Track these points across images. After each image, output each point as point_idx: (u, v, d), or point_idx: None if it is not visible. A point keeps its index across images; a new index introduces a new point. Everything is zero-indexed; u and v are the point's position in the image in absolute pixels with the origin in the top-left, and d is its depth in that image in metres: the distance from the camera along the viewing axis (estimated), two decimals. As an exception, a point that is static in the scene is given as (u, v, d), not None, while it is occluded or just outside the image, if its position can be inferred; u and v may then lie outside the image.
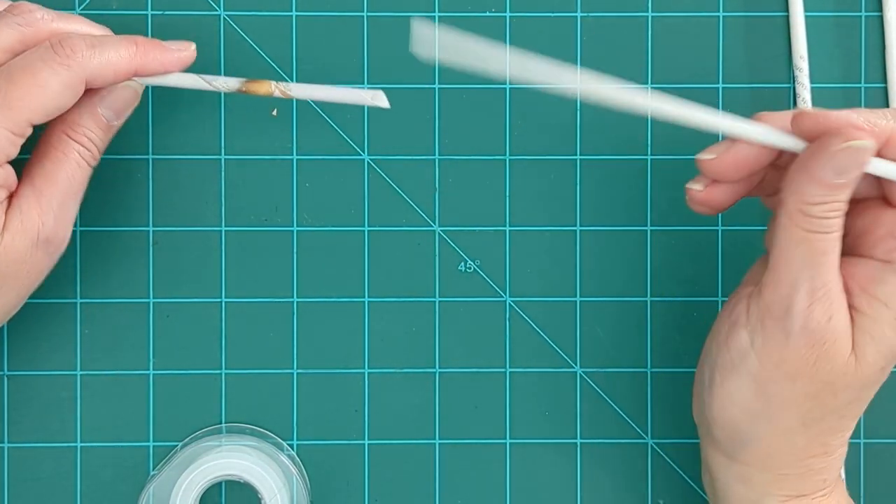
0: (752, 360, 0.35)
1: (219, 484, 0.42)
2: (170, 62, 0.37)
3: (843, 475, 0.42)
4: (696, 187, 0.36)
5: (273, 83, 0.38)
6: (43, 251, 0.36)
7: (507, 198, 0.43)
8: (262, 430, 0.42)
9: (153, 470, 0.42)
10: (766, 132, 0.35)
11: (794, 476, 0.36)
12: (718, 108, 0.43)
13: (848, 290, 0.34)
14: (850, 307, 0.34)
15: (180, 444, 0.42)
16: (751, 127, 0.35)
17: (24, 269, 0.36)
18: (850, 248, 0.35)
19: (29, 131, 0.35)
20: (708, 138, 0.43)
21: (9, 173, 0.36)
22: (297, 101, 0.42)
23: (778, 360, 0.34)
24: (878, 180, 0.34)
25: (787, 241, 0.34)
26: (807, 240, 0.33)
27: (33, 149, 0.37)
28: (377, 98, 0.38)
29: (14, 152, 0.35)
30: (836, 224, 0.33)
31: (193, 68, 0.40)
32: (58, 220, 0.36)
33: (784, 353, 0.34)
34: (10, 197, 0.36)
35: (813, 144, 0.33)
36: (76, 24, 0.37)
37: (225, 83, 0.38)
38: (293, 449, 0.42)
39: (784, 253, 0.34)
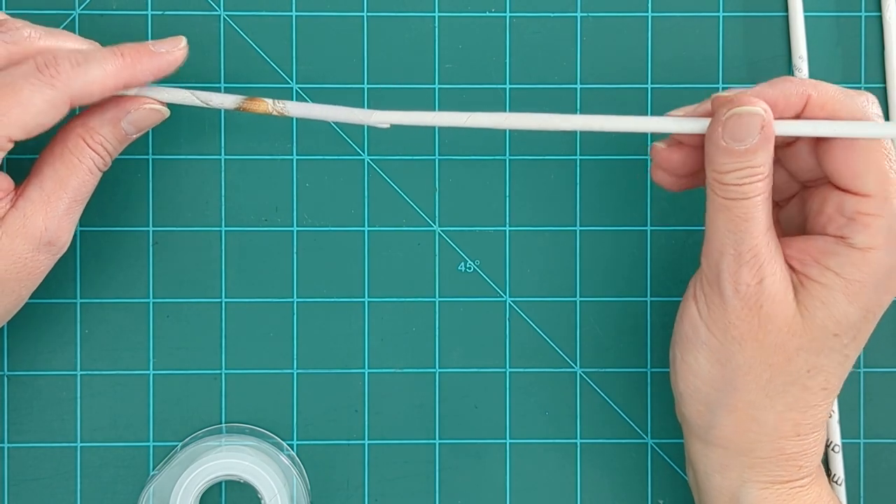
0: (702, 330, 0.36)
1: (219, 484, 0.42)
2: (160, 68, 0.37)
3: (843, 475, 0.42)
4: (660, 145, 0.38)
5: (270, 102, 0.38)
6: (45, 253, 0.36)
7: (507, 198, 0.43)
8: (261, 430, 0.42)
9: (153, 470, 0.42)
10: (680, 123, 0.37)
11: (769, 461, 0.37)
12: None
13: (802, 262, 0.36)
14: (803, 275, 0.35)
15: (180, 444, 0.42)
16: (666, 121, 0.37)
17: (25, 271, 0.36)
18: (807, 228, 0.37)
19: (10, 146, 0.35)
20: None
21: None
22: (297, 100, 0.42)
23: (723, 325, 0.36)
24: (822, 163, 0.36)
25: (711, 210, 0.36)
26: (726, 207, 0.35)
27: (44, 149, 0.37)
28: (375, 117, 0.38)
29: None
30: (755, 189, 0.35)
31: (194, 71, 0.40)
32: (62, 224, 0.36)
33: (726, 318, 0.36)
34: (16, 197, 0.36)
35: (712, 118, 0.35)
36: (63, 41, 0.37)
37: (222, 101, 0.38)
38: (293, 449, 0.42)
39: (710, 222, 0.36)
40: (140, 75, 0.36)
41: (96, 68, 0.35)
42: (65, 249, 0.37)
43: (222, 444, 0.41)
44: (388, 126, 0.38)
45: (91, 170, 0.37)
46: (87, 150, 0.36)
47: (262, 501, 0.40)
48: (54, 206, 0.36)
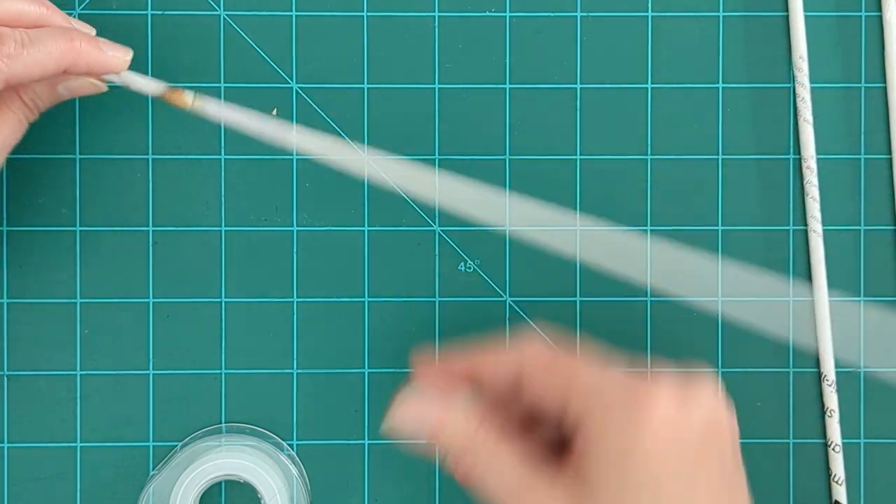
0: None
1: (219, 484, 0.42)
2: (100, 67, 0.37)
3: (843, 475, 0.42)
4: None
5: (192, 96, 0.38)
6: None
7: (508, 198, 0.43)
8: (261, 430, 0.42)
9: (153, 470, 0.42)
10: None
11: None
12: (718, 108, 0.43)
13: None
14: None
15: (180, 444, 0.42)
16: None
17: None
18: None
19: None
20: (706, 133, 0.43)
21: None
22: (297, 101, 0.42)
23: None
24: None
25: None
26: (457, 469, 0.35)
27: None
28: (292, 138, 0.38)
29: None
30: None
31: (195, 71, 0.40)
32: None
33: None
34: None
35: None
36: (13, 4, 0.36)
37: (145, 86, 0.38)
38: (293, 449, 0.42)
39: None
40: (81, 66, 0.36)
41: (44, 49, 0.35)
42: None
43: (222, 444, 0.41)
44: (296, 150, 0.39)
45: (21, 121, 0.37)
46: (19, 103, 0.37)
47: (262, 501, 0.40)
48: None
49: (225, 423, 0.42)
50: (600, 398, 0.33)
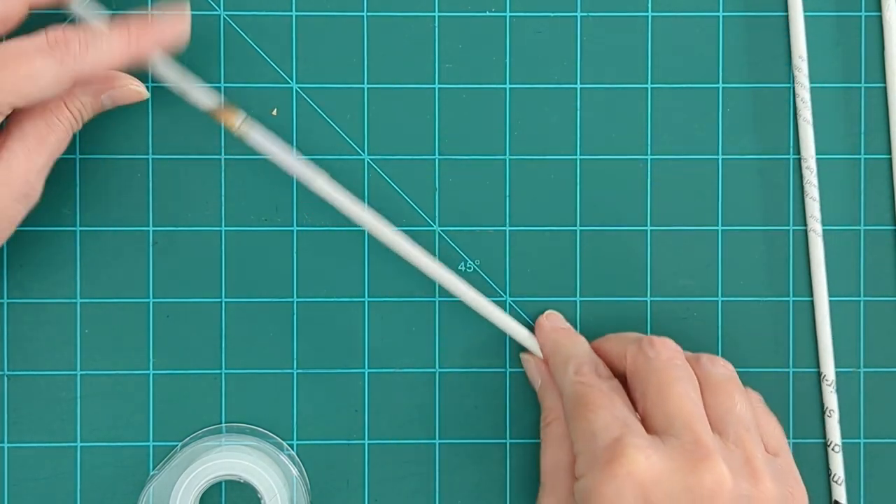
0: None
1: (219, 484, 0.42)
2: (163, 43, 0.38)
3: (843, 475, 0.42)
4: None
5: (241, 120, 0.40)
6: (22, 204, 0.38)
7: (507, 198, 0.43)
8: (262, 430, 0.42)
9: (153, 470, 0.42)
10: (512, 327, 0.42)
11: None
12: (718, 108, 0.43)
13: None
14: None
15: (180, 444, 0.42)
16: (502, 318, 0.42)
17: (5, 220, 0.38)
18: None
19: (8, 112, 0.36)
20: (707, 133, 0.43)
21: None
22: (297, 100, 0.42)
23: None
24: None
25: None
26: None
27: (25, 107, 0.38)
28: (318, 182, 0.40)
29: None
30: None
31: (195, 71, 0.40)
32: (39, 178, 0.38)
33: None
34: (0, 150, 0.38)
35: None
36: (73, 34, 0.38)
37: (201, 97, 0.39)
38: (293, 449, 0.42)
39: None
40: (144, 52, 0.38)
41: (105, 47, 0.37)
42: (35, 201, 0.39)
43: (222, 444, 0.41)
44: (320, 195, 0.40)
45: (67, 131, 0.39)
46: (66, 113, 0.39)
47: (262, 501, 0.40)
48: (34, 160, 0.38)
49: (225, 423, 0.42)
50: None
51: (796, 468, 0.37)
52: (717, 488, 0.34)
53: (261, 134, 0.40)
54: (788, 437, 0.43)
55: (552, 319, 0.42)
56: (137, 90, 0.40)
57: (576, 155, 0.43)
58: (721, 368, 0.38)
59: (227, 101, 0.39)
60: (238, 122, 0.39)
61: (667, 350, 0.37)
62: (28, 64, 0.36)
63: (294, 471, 0.41)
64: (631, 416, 0.36)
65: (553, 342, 0.41)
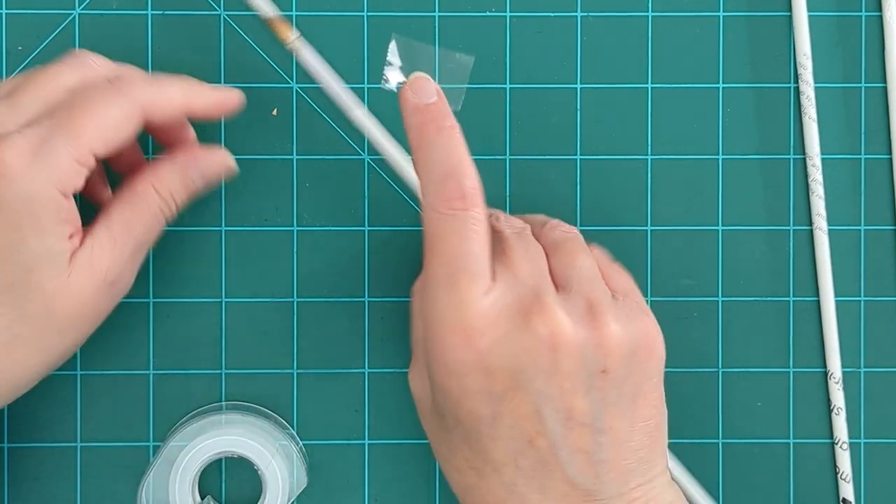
0: None
1: (218, 462, 0.42)
2: (218, 102, 0.38)
3: (850, 472, 0.42)
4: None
5: (295, 35, 0.40)
6: (106, 295, 0.36)
7: (508, 198, 0.43)
8: (261, 408, 0.42)
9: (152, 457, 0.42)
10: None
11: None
12: (719, 108, 0.43)
13: None
14: None
15: (179, 421, 0.42)
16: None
17: (86, 310, 0.36)
18: None
19: (92, 162, 0.35)
20: (707, 133, 0.43)
21: (73, 209, 0.35)
22: (297, 100, 0.42)
23: None
24: None
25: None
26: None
27: (114, 193, 0.38)
28: (356, 112, 0.40)
29: (80, 184, 0.35)
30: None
31: (195, 71, 0.40)
32: (126, 267, 0.36)
33: None
34: (83, 235, 0.35)
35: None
36: (130, 71, 0.38)
37: (262, 6, 0.40)
38: (293, 449, 0.42)
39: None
40: (201, 103, 0.37)
41: (166, 85, 0.37)
42: (126, 292, 0.37)
43: (223, 421, 0.41)
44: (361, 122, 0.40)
45: (157, 217, 0.37)
46: (155, 197, 0.37)
47: (261, 476, 0.40)
48: (120, 249, 0.36)
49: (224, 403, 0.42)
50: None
51: (648, 308, 0.36)
52: (556, 338, 0.33)
53: (311, 53, 0.40)
54: (789, 437, 0.43)
55: (418, 88, 0.36)
56: (227, 163, 0.39)
57: (576, 155, 0.43)
58: (562, 232, 0.37)
59: (281, 14, 0.40)
60: (292, 37, 0.39)
61: (512, 226, 0.37)
62: (92, 106, 0.34)
63: (294, 448, 0.41)
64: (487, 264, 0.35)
65: (420, 137, 0.36)
